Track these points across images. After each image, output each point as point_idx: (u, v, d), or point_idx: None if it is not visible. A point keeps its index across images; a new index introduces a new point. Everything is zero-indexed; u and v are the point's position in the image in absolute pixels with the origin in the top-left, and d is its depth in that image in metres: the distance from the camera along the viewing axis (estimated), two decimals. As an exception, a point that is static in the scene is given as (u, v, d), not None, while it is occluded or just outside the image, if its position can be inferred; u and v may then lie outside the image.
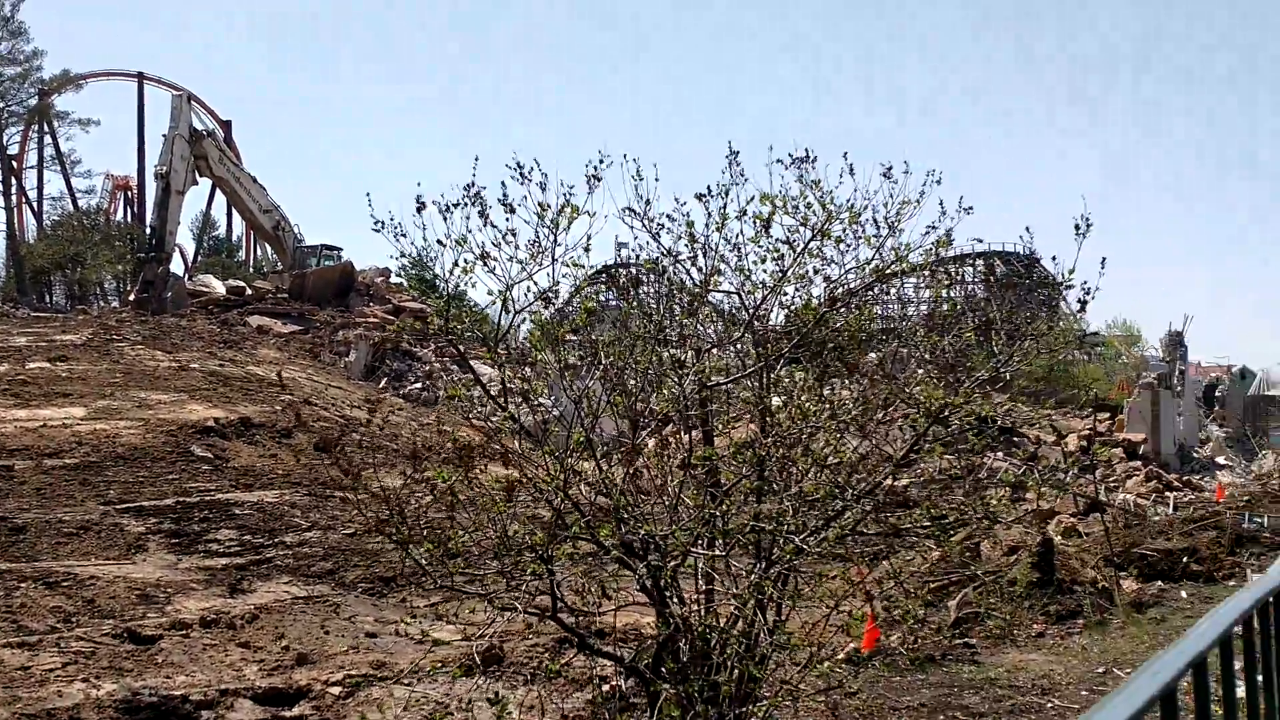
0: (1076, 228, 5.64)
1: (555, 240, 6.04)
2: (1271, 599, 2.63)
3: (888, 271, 6.54)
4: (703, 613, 6.01)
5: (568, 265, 6.18)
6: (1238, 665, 2.52)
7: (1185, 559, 13.29)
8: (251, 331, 34.19)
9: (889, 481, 5.85)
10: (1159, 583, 12.53)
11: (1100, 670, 8.62)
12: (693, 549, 5.50)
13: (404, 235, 5.84)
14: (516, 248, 6.06)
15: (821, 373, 6.37)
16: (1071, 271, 5.74)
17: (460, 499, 5.31)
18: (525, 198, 6.05)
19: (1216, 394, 39.74)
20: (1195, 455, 28.22)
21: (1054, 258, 6.44)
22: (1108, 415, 30.02)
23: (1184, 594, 12.05)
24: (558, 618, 5.60)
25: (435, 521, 5.50)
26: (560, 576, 5.72)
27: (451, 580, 5.38)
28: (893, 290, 9.66)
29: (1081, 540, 14.55)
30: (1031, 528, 14.85)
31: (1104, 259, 5.72)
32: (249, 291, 40.79)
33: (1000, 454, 19.42)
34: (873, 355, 7.64)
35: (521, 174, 6.06)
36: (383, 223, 5.80)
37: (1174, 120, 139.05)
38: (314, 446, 17.45)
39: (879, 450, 6.03)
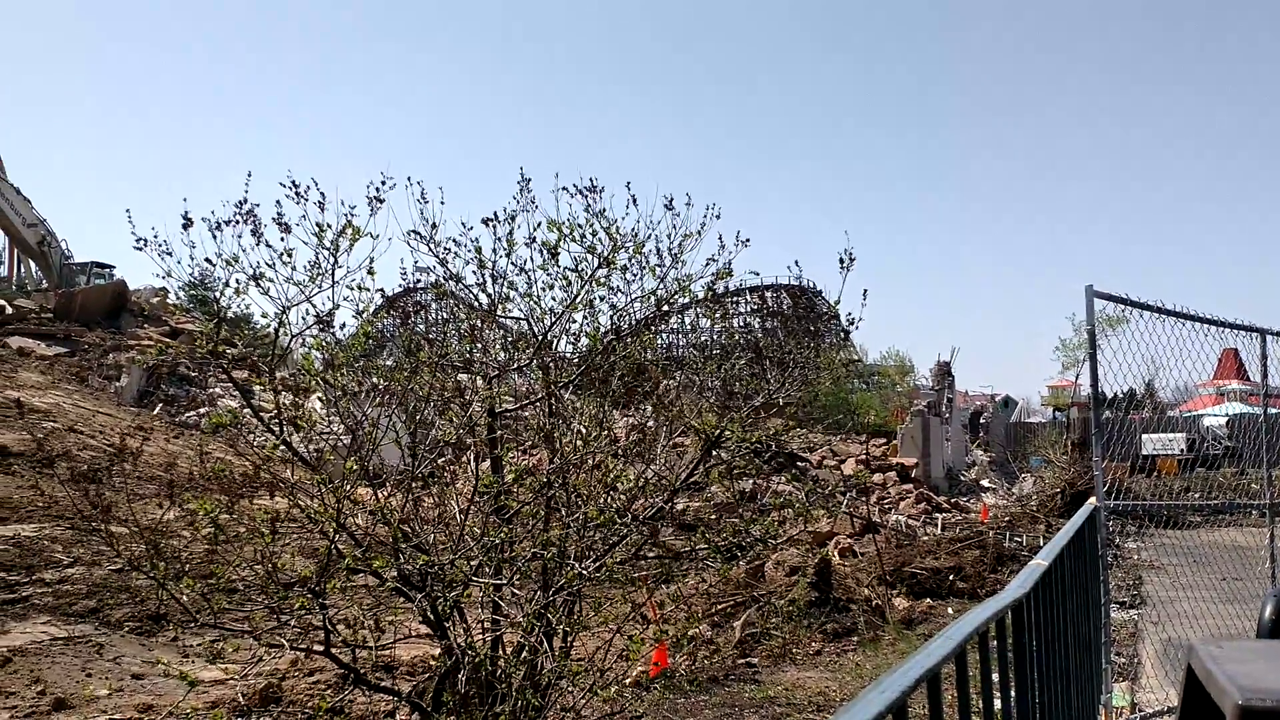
0: (841, 262, 5.97)
1: (336, 262, 5.87)
2: (1009, 613, 2.83)
3: (671, 301, 6.71)
4: (487, 642, 5.94)
5: (350, 289, 6.01)
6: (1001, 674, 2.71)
7: (951, 576, 14.17)
8: (10, 354, 31.36)
9: (670, 506, 5.98)
10: (928, 600, 13.29)
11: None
12: (475, 578, 5.43)
13: (169, 254, 5.53)
14: (293, 269, 5.85)
15: (605, 400, 6.44)
16: (837, 303, 6.07)
17: (225, 533, 5.02)
18: (304, 217, 5.86)
19: (981, 421, 42.89)
20: (962, 478, 30.27)
21: (820, 291, 6.82)
22: (884, 441, 31.81)
23: (950, 610, 12.80)
24: (331, 653, 5.38)
25: (199, 556, 5.19)
26: (343, 610, 5.52)
27: (215, 618, 5.07)
28: (676, 320, 9.91)
29: (857, 560, 15.29)
30: (812, 549, 15.51)
31: (865, 290, 6.07)
32: (9, 310, 37.42)
33: (784, 478, 20.19)
34: (669, 383, 7.81)
35: (298, 193, 5.86)
36: (145, 240, 5.46)
37: (946, 161, 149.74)
38: (78, 477, 16.18)
39: (661, 476, 6.16)
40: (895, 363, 51.57)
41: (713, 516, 11.89)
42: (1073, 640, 4.52)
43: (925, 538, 17.42)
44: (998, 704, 2.87)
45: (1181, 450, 26.09)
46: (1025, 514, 20.86)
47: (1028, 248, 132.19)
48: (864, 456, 27.82)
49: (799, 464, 25.06)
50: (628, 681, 8.31)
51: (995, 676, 2.89)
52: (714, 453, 6.39)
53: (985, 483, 29.86)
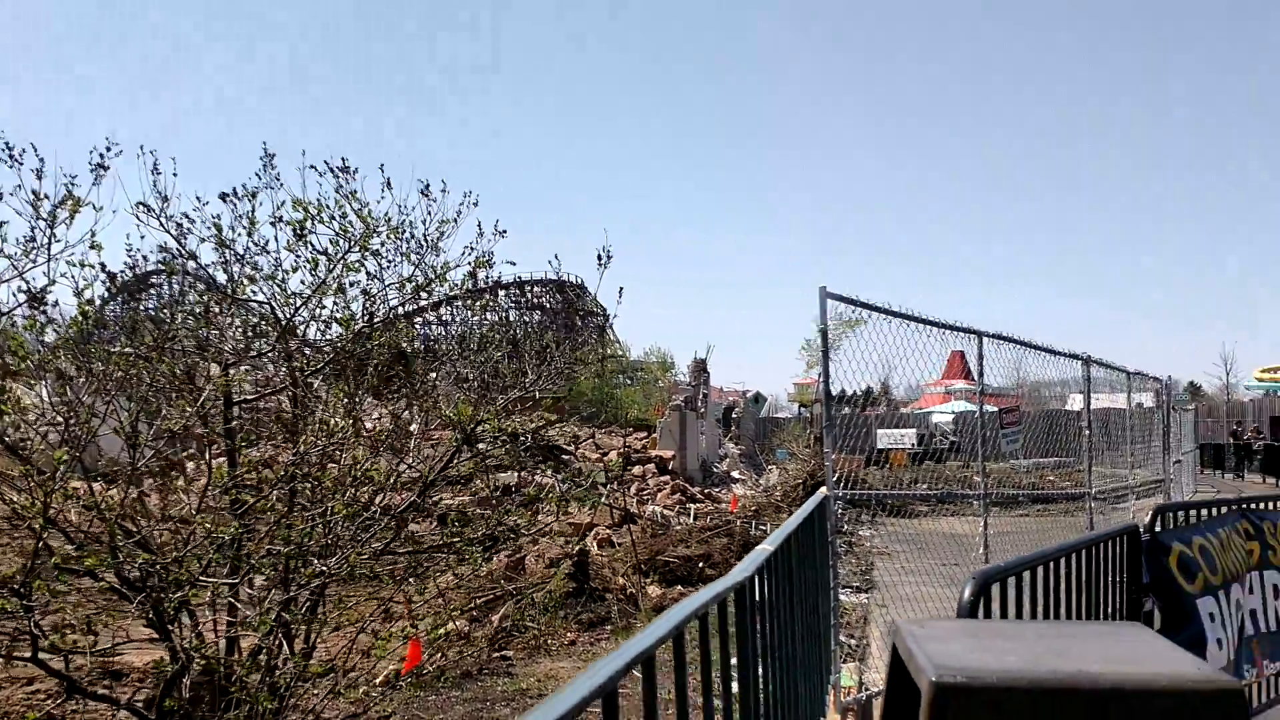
0: (599, 258, 6.04)
1: (53, 235, 5.36)
2: (731, 595, 2.93)
3: (428, 288, 6.57)
4: (221, 645, 5.60)
5: (70, 264, 5.51)
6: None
7: (702, 564, 14.67)
8: None
9: (422, 499, 5.85)
10: (679, 587, 13.70)
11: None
12: (203, 577, 5.10)
13: None
14: (4, 240, 5.31)
15: (356, 390, 6.23)
16: (593, 299, 6.14)
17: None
18: (19, 186, 5.32)
19: (734, 416, 44.80)
20: (715, 470, 31.47)
21: (583, 284, 6.88)
22: (645, 434, 32.58)
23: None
24: (39, 660, 4.90)
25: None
26: (62, 614, 5.04)
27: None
28: (435, 314, 9.73)
29: (614, 550, 15.56)
30: (572, 540, 15.67)
31: (621, 289, 6.18)
32: None
33: (547, 471, 20.26)
34: (430, 375, 7.63)
35: (11, 157, 5.32)
36: None
37: (705, 162, 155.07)
38: None
39: (414, 468, 6.02)
40: (657, 359, 52.97)
41: (476, 510, 11.79)
42: (803, 623, 4.77)
43: (679, 527, 17.95)
44: (732, 685, 2.97)
45: (912, 445, 28.27)
46: (770, 504, 21.88)
47: (779, 250, 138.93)
48: (625, 449, 28.39)
49: (563, 457, 25.24)
50: (378, 681, 8.09)
51: (734, 660, 3.00)
52: (473, 445, 6.31)
53: (736, 474, 31.18)
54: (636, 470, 25.98)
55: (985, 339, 7.93)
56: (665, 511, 20.16)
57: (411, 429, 6.65)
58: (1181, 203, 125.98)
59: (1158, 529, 4.71)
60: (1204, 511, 5.48)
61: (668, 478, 25.68)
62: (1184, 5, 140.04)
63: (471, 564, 5.97)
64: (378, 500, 5.44)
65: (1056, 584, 3.82)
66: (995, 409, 9.85)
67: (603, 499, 17.87)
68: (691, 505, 21.95)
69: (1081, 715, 2.11)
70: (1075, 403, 11.81)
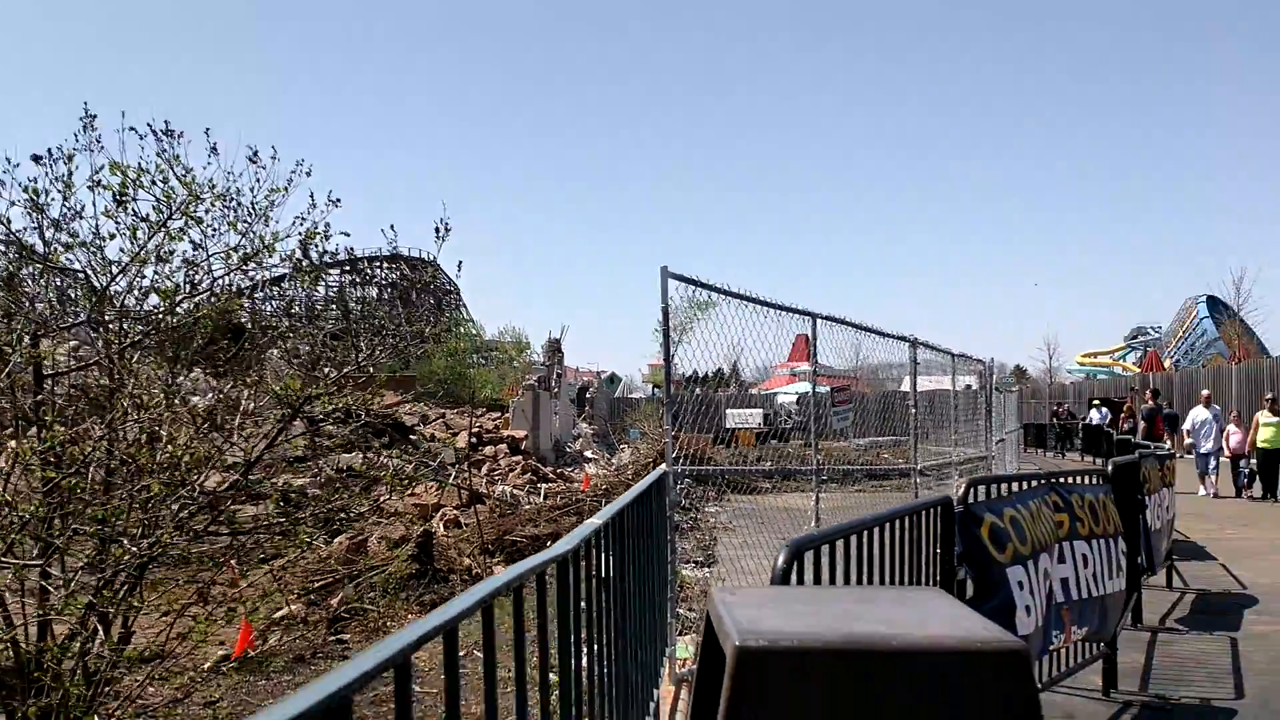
0: (436, 231, 5.92)
1: None
2: (554, 567, 2.92)
3: (256, 259, 6.31)
4: (31, 629, 5.29)
5: None
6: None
7: (549, 542, 14.67)
8: None
9: (246, 479, 5.63)
10: (526, 566, 13.67)
11: (461, 653, 9.14)
12: (6, 558, 4.79)
13: None
14: None
15: (177, 364, 5.94)
16: (440, 274, 6.01)
17: None
18: None
19: (588, 396, 44.95)
20: (569, 450, 31.51)
21: (433, 260, 6.73)
22: (498, 414, 32.32)
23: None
24: None
25: None
26: None
27: None
28: (266, 291, 9.40)
29: (462, 531, 15.40)
30: (418, 521, 15.43)
31: (460, 263, 6.08)
32: None
33: (394, 452, 19.86)
34: (269, 351, 7.33)
35: None
36: None
37: (556, 143, 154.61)
38: None
39: (238, 447, 5.78)
40: (512, 339, 52.61)
41: (316, 493, 11.45)
42: (637, 596, 4.82)
43: (528, 506, 17.90)
44: (547, 660, 2.97)
45: (759, 424, 29.02)
46: (622, 482, 22.04)
47: (638, 232, 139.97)
48: (477, 429, 28.09)
49: (410, 437, 24.77)
50: (206, 666, 7.78)
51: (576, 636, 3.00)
52: (309, 423, 6.12)
53: (589, 454, 31.30)
54: (488, 450, 25.76)
55: (819, 320, 8.18)
56: (515, 491, 20.06)
57: (242, 406, 6.40)
58: (1011, 195, 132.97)
59: (971, 501, 4.95)
60: (1015, 485, 5.80)
61: (520, 458, 25.55)
62: None
63: (301, 546, 5.79)
64: (197, 480, 5.21)
65: (873, 553, 3.97)
66: (828, 389, 10.19)
67: (451, 479, 17.67)
68: (543, 485, 21.91)
69: (874, 675, 2.19)
70: (908, 384, 12.34)
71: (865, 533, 3.88)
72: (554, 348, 37.51)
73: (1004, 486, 5.59)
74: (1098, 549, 6.24)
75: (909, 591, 2.98)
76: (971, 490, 4.95)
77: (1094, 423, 30.84)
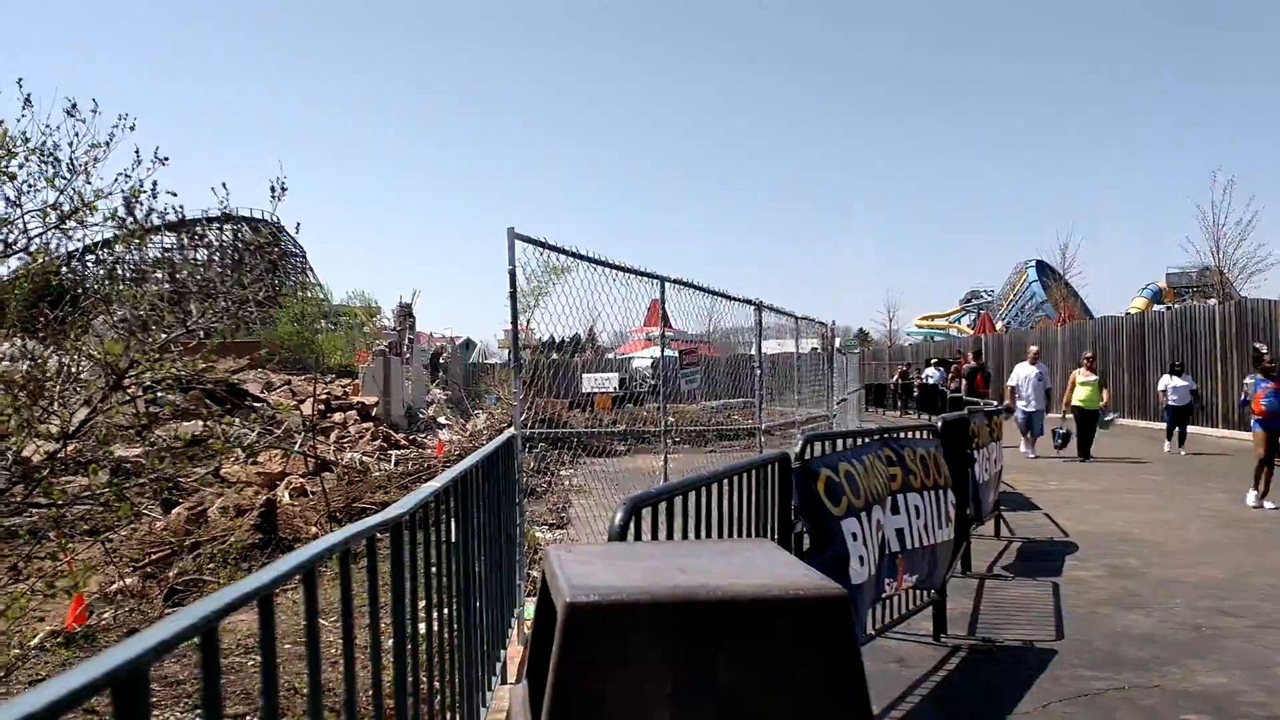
0: (272, 190, 5.69)
1: None
2: (380, 533, 2.86)
3: (75, 217, 5.93)
4: None
5: None
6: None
7: (400, 510, 14.45)
8: None
9: (64, 449, 5.32)
10: (377, 534, 13.40)
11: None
12: None
13: None
14: None
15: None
16: (282, 235, 5.78)
17: None
18: None
19: (441, 361, 44.25)
20: (421, 416, 30.99)
21: (276, 221, 6.45)
22: (348, 381, 31.50)
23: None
24: None
25: None
26: None
27: None
28: (104, 249, 8.86)
29: (308, 500, 14.99)
30: (262, 490, 14.93)
31: (299, 224, 5.87)
32: None
33: (236, 419, 19.11)
34: (88, 315, 6.89)
35: None
36: None
37: (394, 99, 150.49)
38: None
39: (55, 416, 5.44)
40: (362, 303, 51.24)
41: (149, 462, 10.89)
42: (486, 559, 4.80)
43: (378, 474, 17.56)
44: (379, 625, 2.92)
45: (615, 388, 29.18)
46: (476, 447, 21.80)
47: (493, 194, 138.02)
48: (325, 396, 27.31)
49: (254, 404, 23.89)
50: (34, 642, 7.37)
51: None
52: (125, 389, 5.79)
53: (442, 420, 30.87)
54: (338, 417, 25.11)
55: (668, 284, 8.25)
56: (365, 459, 19.64)
57: (63, 373, 6.02)
58: (855, 165, 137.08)
59: (808, 456, 5.11)
60: (851, 441, 6.02)
61: (370, 425, 24.99)
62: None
63: (127, 518, 5.52)
64: (12, 449, 4.89)
65: (711, 510, 4.06)
66: (676, 353, 10.33)
67: (297, 447, 17.14)
68: (394, 452, 21.52)
69: (701, 627, 2.24)
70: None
71: (705, 489, 3.95)
72: (405, 312, 36.72)
73: (840, 443, 5.78)
74: (929, 500, 6.55)
75: (738, 544, 3.06)
76: (809, 446, 5.10)
77: (931, 382, 32.14)
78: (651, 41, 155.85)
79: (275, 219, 39.42)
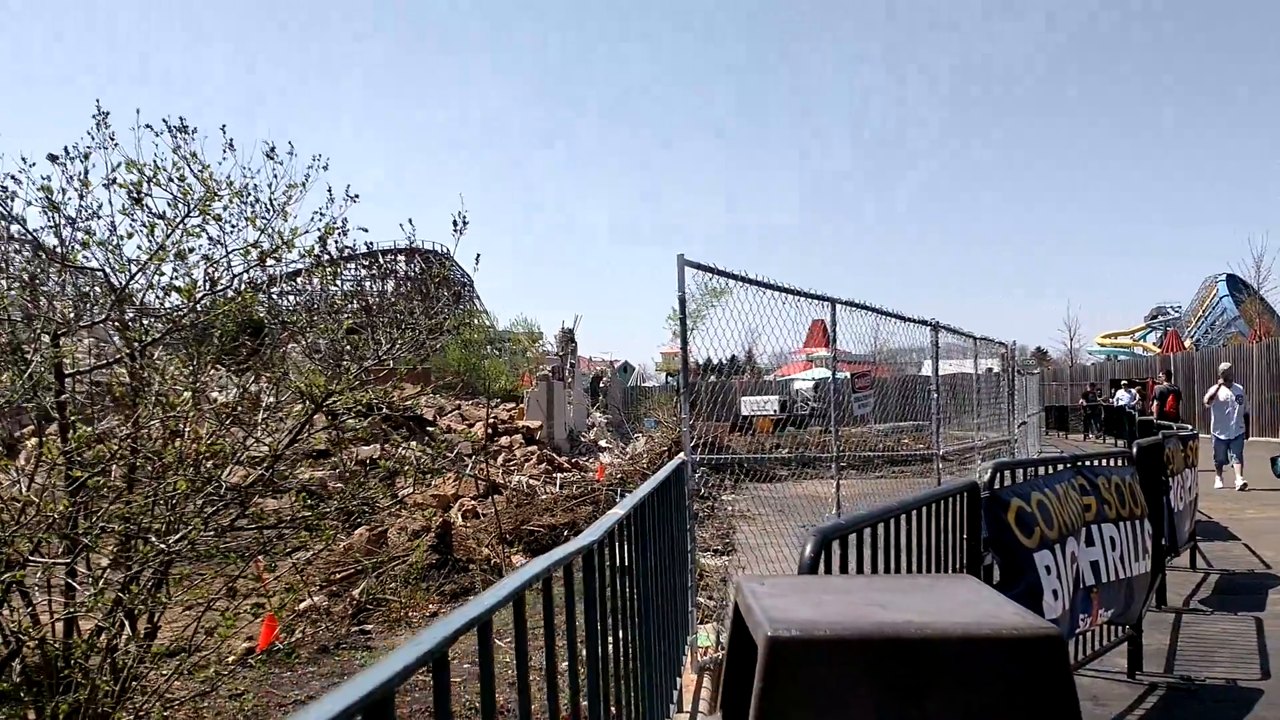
0: (454, 224, 5.91)
1: None
2: (579, 559, 2.92)
3: (275, 254, 6.32)
4: (58, 627, 5.32)
5: None
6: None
7: (567, 532, 14.72)
8: None
9: (270, 473, 5.65)
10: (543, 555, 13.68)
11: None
12: (34, 557, 4.82)
13: None
14: None
15: (199, 361, 5.95)
16: (453, 263, 6.02)
17: None
18: None
19: (601, 385, 44.96)
20: (583, 439, 31.55)
21: (447, 253, 6.73)
22: (512, 405, 32.39)
23: (562, 564, 13.24)
24: None
25: None
26: None
27: None
28: (288, 284, 9.39)
29: (479, 521, 15.45)
30: (437, 512, 15.48)
31: (478, 255, 6.08)
32: None
33: (412, 444, 19.91)
34: (285, 347, 7.35)
35: None
36: None
37: (567, 129, 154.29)
38: None
39: (261, 442, 5.80)
40: (525, 329, 52.66)
41: (336, 485, 11.48)
42: (659, 585, 4.82)
43: (544, 497, 17.93)
44: (576, 648, 2.97)
45: (775, 411, 28.94)
46: (637, 471, 22.04)
47: (648, 219, 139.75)
48: (492, 420, 28.14)
49: (427, 428, 24.85)
50: (231, 659, 7.83)
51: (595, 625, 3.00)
52: (329, 416, 6.13)
53: (603, 443, 31.32)
54: (504, 441, 25.80)
55: (839, 306, 8.14)
56: (532, 481, 20.10)
57: (262, 401, 6.42)
58: (1030, 177, 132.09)
59: (997, 486, 4.93)
60: (1042, 469, 5.77)
61: (535, 448, 25.58)
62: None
63: (325, 539, 5.81)
64: (223, 475, 5.23)
65: (899, 540, 3.96)
66: (848, 375, 10.16)
67: (468, 470, 17.70)
68: (558, 475, 21.94)
69: (907, 665, 2.18)
70: (928, 369, 12.30)
71: (894, 520, 3.86)
72: (567, 338, 37.50)
73: (1030, 470, 5.56)
74: (1125, 531, 6.21)
75: (938, 579, 2.97)
76: (998, 475, 4.92)
77: (1121, 404, 30.44)
78: (815, 61, 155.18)
79: (445, 249, 41.16)
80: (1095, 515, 5.89)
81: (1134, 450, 7.14)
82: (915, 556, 4.21)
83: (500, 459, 23.22)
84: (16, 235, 6.24)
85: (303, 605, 10.21)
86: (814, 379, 29.92)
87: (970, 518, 4.71)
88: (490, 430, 25.83)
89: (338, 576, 11.89)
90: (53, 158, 5.78)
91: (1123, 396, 31.12)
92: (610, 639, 3.45)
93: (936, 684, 2.18)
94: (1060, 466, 5.94)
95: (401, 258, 47.32)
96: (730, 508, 15.85)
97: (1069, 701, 2.26)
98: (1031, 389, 23.41)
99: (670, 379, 48.33)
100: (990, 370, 16.21)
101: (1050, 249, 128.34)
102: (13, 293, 5.71)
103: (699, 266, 6.20)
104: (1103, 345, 78.13)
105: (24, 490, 5.29)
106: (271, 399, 6.34)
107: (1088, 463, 6.30)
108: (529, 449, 25.39)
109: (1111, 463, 6.72)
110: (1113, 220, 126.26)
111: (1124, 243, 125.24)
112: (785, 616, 2.29)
